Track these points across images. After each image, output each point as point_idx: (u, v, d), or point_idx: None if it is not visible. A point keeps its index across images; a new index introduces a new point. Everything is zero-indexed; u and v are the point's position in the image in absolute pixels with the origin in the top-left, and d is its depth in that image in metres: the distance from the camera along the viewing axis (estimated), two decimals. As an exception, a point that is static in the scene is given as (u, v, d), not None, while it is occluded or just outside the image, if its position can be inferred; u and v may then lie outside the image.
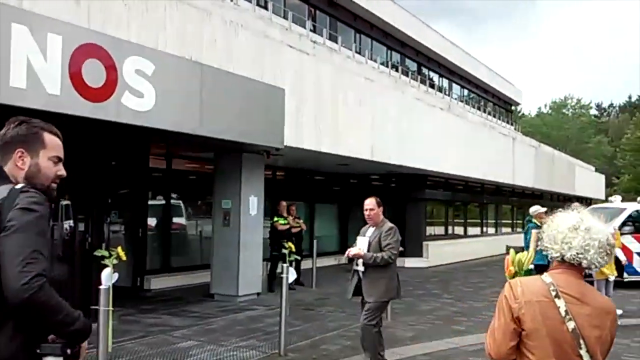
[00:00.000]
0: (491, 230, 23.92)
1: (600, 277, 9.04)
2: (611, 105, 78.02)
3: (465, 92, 35.89)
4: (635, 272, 13.03)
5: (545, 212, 9.94)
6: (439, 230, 19.50)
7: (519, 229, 27.17)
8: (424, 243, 17.28)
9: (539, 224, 9.91)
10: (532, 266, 8.88)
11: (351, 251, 5.98)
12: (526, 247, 10.09)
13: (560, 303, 2.24)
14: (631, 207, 13.70)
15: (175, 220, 12.89)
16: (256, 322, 8.60)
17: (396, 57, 27.73)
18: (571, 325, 2.22)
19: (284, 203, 12.62)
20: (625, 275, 12.59)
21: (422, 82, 27.84)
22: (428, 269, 16.52)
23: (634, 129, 56.01)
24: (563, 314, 2.23)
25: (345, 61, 13.75)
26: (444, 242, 18.79)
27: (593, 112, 72.52)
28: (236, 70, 9.33)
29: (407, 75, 26.24)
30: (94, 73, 6.74)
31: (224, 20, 9.56)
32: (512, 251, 3.15)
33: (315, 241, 13.46)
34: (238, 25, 9.79)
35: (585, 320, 2.23)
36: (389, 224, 6.05)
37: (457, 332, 8.30)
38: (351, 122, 12.46)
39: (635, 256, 13.02)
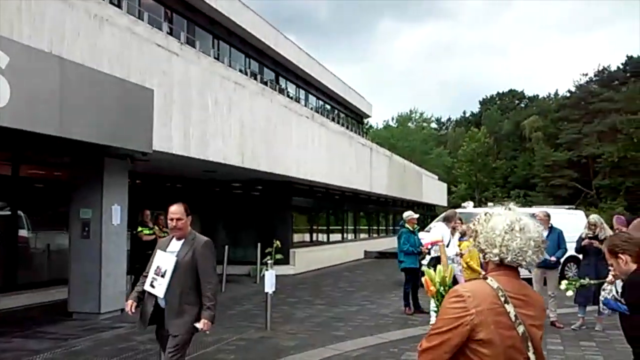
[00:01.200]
0: (350, 236, 24.64)
1: (471, 275, 9.55)
2: (449, 119, 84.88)
3: (321, 103, 36.85)
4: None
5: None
6: (304, 237, 19.64)
7: (374, 235, 28.37)
8: (291, 250, 17.26)
9: (411, 228, 10.29)
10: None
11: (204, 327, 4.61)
12: (399, 250, 10.42)
13: (510, 308, 2.20)
14: (483, 212, 14.77)
15: (22, 232, 11.53)
16: (125, 341, 7.88)
17: (255, 65, 27.65)
18: (521, 329, 2.20)
19: (147, 212, 11.87)
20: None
21: (281, 91, 28.03)
22: (295, 276, 16.52)
23: (469, 142, 61.44)
24: (513, 318, 2.19)
25: (213, 64, 13.33)
26: (309, 248, 18.95)
27: (434, 125, 78.36)
28: (101, 67, 8.57)
29: (265, 84, 26.26)
30: None
31: (88, 12, 8.74)
32: (428, 271, 3.00)
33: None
34: (103, 19, 9.00)
35: (530, 322, 2.23)
36: (203, 238, 4.85)
37: (338, 337, 8.27)
38: (221, 127, 12.08)
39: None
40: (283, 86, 30.05)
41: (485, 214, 2.46)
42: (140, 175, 14.22)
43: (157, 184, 15.68)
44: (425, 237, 10.28)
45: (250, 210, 17.60)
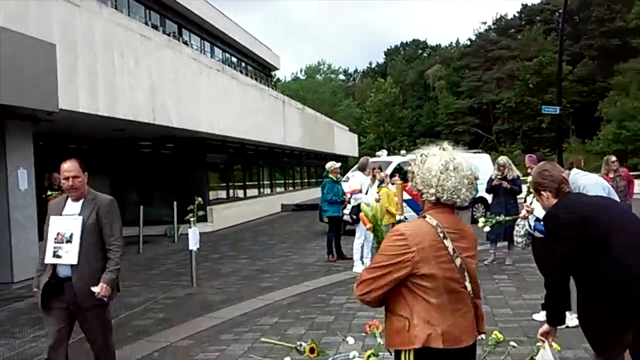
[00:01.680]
0: (267, 190, 24.66)
1: (390, 220, 9.88)
2: (356, 70, 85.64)
3: (227, 56, 35.93)
4: (404, 217, 14.58)
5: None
6: (221, 194, 19.43)
7: (290, 188, 28.57)
8: (208, 208, 17.05)
9: (335, 178, 10.41)
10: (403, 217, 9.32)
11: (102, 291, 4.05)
12: (322, 199, 10.56)
13: (448, 243, 2.36)
14: (396, 160, 15.23)
15: None
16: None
17: (155, 17, 26.40)
18: (458, 261, 2.37)
19: (56, 175, 11.24)
20: (406, 218, 13.97)
21: (185, 44, 27.02)
22: (214, 232, 16.40)
23: (376, 93, 62.50)
24: (452, 252, 2.36)
25: (115, 15, 12.54)
26: (226, 205, 18.81)
27: (341, 77, 78.87)
28: (-7, 19, 7.87)
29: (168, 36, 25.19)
30: None
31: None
32: (363, 206, 3.09)
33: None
34: (-9, -35, 8.21)
35: (466, 254, 2.41)
36: (105, 197, 4.33)
37: (266, 289, 8.36)
38: (129, 83, 11.54)
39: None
40: (187, 39, 28.97)
41: (421, 155, 2.56)
42: (46, 137, 13.40)
43: (65, 145, 14.84)
44: (345, 187, 10.48)
45: (163, 169, 17.12)
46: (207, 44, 32.69)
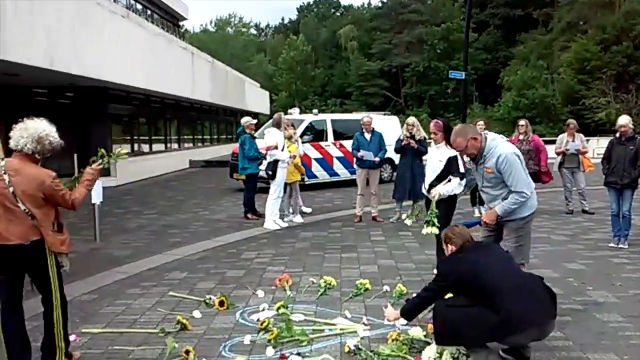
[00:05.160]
0: (174, 145, 23.96)
1: (291, 180, 9.93)
2: (268, 25, 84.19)
3: (132, 2, 34.04)
4: (314, 176, 14.74)
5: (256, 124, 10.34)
6: (126, 147, 18.65)
7: (199, 144, 27.94)
8: (111, 161, 16.34)
9: (253, 134, 10.20)
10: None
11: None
12: (240, 158, 10.33)
13: (6, 177, 3.64)
14: (309, 119, 15.21)
15: None
16: None
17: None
18: (12, 189, 3.62)
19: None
20: (306, 179, 14.05)
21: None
22: (118, 187, 15.79)
23: (288, 50, 61.84)
24: (8, 183, 3.63)
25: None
26: (131, 159, 18.07)
27: (253, 31, 77.23)
28: None
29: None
30: None
31: None
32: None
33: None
34: None
35: (19, 185, 3.64)
36: None
37: (175, 244, 8.19)
38: (25, 23, 10.65)
39: (313, 162, 14.65)
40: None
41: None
42: None
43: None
44: (259, 143, 10.34)
45: (62, 119, 15.93)
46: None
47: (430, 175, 6.33)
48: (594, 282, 5.89)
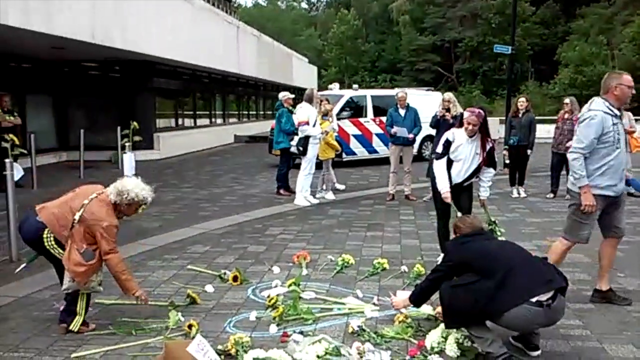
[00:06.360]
0: (219, 120, 24.18)
1: (324, 157, 9.83)
2: (319, 0, 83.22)
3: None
4: (352, 152, 14.59)
5: (294, 99, 10.26)
6: (170, 121, 18.95)
7: (245, 119, 28.12)
8: (155, 135, 16.65)
9: (291, 108, 10.10)
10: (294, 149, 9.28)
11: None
12: (276, 132, 10.26)
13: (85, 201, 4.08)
14: (348, 94, 15.01)
15: None
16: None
17: None
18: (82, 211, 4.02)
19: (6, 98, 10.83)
20: (344, 155, 13.95)
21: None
22: (160, 161, 16.09)
23: (338, 24, 61.13)
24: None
25: None
26: (175, 133, 18.38)
27: (304, 5, 76.69)
28: None
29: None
30: None
31: None
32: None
33: (32, 136, 11.74)
34: None
35: (86, 210, 4.02)
36: None
37: (204, 217, 8.28)
38: (69, 0, 10.86)
39: (351, 138, 14.50)
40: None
41: None
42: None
43: (4, 63, 14.07)
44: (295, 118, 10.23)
45: (109, 92, 16.50)
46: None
47: (462, 173, 5.46)
48: (628, 269, 5.59)
